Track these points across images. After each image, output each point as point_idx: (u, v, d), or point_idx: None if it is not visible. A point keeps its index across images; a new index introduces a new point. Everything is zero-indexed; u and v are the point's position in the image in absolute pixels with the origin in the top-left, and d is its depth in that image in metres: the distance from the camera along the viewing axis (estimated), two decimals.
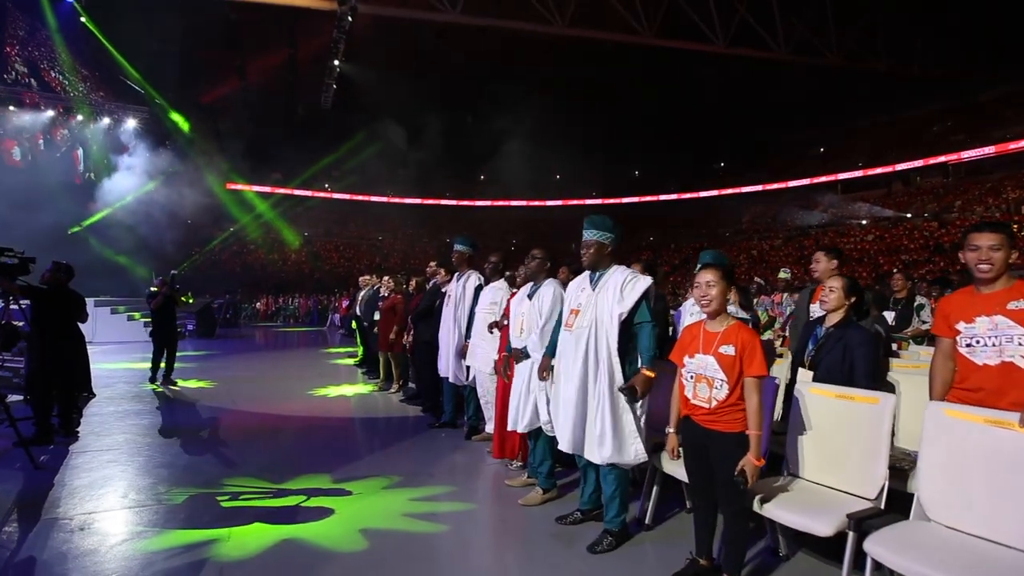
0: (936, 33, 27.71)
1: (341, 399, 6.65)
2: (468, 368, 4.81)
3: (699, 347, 2.45)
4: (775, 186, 35.33)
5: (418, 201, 39.21)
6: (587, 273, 3.08)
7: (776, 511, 2.38)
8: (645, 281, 2.80)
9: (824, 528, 2.19)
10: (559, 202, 43.05)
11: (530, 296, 3.61)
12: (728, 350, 2.36)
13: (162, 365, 7.38)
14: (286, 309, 23.82)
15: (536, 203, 43.05)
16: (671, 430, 2.58)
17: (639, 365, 2.76)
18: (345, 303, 16.54)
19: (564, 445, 2.94)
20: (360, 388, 7.37)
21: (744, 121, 34.72)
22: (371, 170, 34.49)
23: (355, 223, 38.26)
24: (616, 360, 2.80)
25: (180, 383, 7.42)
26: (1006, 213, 24.19)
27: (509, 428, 3.57)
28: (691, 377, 2.46)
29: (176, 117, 24.19)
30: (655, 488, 3.08)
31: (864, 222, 29.09)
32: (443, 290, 5.55)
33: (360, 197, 37.70)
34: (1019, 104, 28.86)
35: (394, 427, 5.43)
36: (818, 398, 2.68)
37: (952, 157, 29.44)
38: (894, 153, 31.35)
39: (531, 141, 33.83)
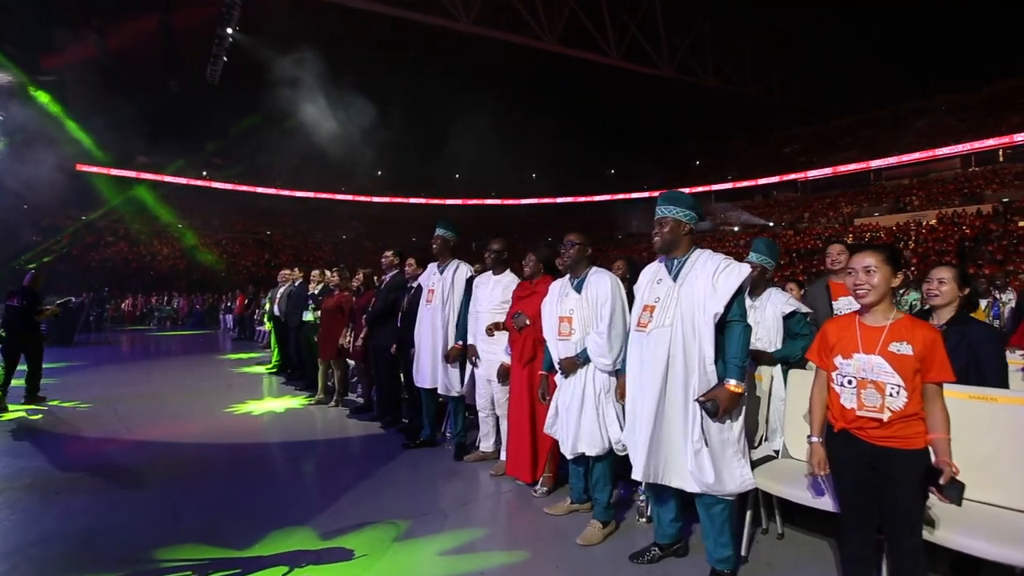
0: (793, 68, 31.18)
1: (272, 418, 5.37)
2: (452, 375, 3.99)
3: (858, 345, 1.94)
4: (659, 193, 37.63)
5: (311, 195, 36.10)
6: (658, 261, 2.50)
7: (964, 541, 1.92)
8: (742, 269, 2.22)
9: None
10: (459, 201, 42.30)
11: (577, 289, 2.89)
12: (903, 348, 1.86)
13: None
14: (161, 310, 20.41)
15: (435, 201, 41.88)
16: (816, 439, 2.06)
17: (723, 375, 2.20)
18: (240, 303, 14.44)
19: (638, 473, 2.29)
20: (290, 402, 6.09)
21: (634, 131, 36.57)
22: (261, 158, 31.08)
23: (239, 216, 34.28)
24: (711, 367, 2.21)
25: (49, 403, 5.66)
26: (842, 225, 27.79)
27: (569, 453, 2.81)
28: (850, 382, 1.94)
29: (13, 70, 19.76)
30: (750, 515, 2.54)
31: (736, 228, 31.85)
32: (412, 284, 4.62)
33: (245, 188, 33.87)
34: (852, 133, 33.50)
35: (361, 451, 4.37)
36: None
37: (800, 175, 33.41)
38: (758, 169, 34.87)
39: (434, 137, 32.74)
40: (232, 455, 4.13)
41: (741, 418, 2.28)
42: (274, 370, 8.24)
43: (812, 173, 32.72)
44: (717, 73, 31.17)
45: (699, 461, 2.18)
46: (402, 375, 4.96)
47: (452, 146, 35.55)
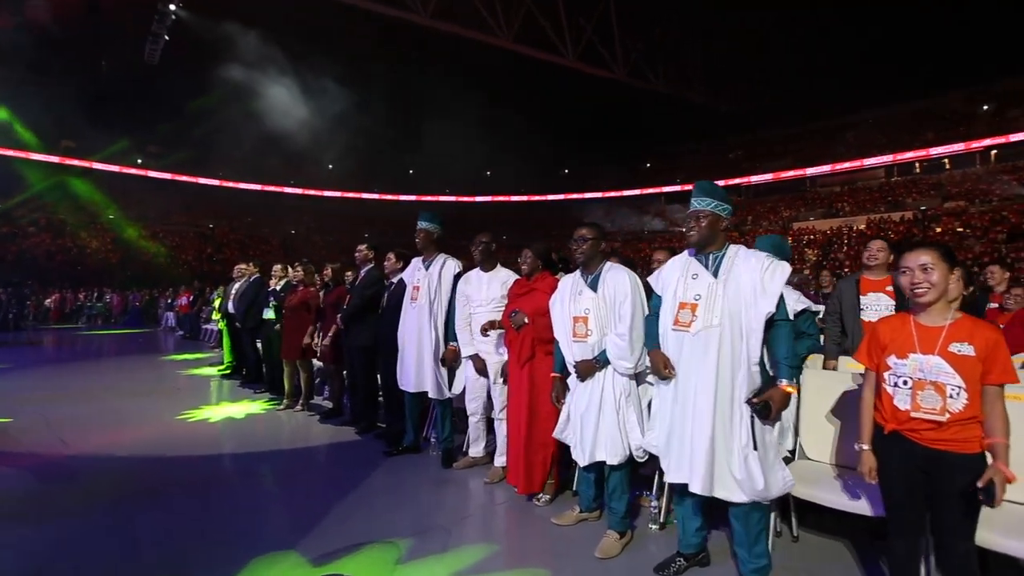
0: (737, 79, 32.41)
1: (232, 425, 4.89)
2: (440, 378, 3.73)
3: (915, 345, 1.85)
4: (612, 194, 38.41)
5: (258, 187, 34.32)
6: (686, 255, 2.36)
7: (1001, 541, 1.87)
8: (784, 268, 2.13)
9: None
10: (412, 197, 41.42)
11: (593, 286, 2.69)
12: (964, 349, 1.78)
13: None
14: (91, 308, 18.72)
15: (389, 197, 40.84)
16: (865, 447, 1.96)
17: (776, 375, 2.10)
18: (184, 299, 13.44)
19: (697, 485, 2.12)
20: (249, 406, 5.59)
21: (588, 133, 36.99)
22: (204, 147, 29.19)
23: (179, 207, 32.12)
24: (756, 368, 2.11)
25: None
26: (781, 228, 29.17)
27: (585, 461, 2.60)
28: (905, 383, 1.85)
29: None
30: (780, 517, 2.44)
31: (684, 229, 32.80)
32: (392, 280, 4.31)
33: (186, 178, 31.75)
34: (789, 142, 35.20)
35: (338, 460, 4.00)
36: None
37: (744, 180, 34.80)
38: (704, 173, 36.04)
39: (389, 132, 31.87)
40: (192, 469, 3.68)
41: (776, 425, 2.18)
42: (227, 372, 7.63)
43: (754, 178, 34.16)
44: (667, 79, 32.02)
45: (749, 467, 2.06)
46: (379, 377, 4.65)
47: (407, 141, 34.86)
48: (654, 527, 2.74)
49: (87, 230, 26.79)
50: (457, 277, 3.72)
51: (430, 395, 3.76)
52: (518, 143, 36.24)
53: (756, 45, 29.00)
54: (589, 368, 2.59)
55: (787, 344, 2.11)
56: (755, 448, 2.08)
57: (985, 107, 29.04)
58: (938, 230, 23.10)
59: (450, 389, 3.74)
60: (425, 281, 3.79)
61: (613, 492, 2.57)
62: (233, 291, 7.31)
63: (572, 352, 2.67)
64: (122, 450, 4.03)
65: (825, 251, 24.29)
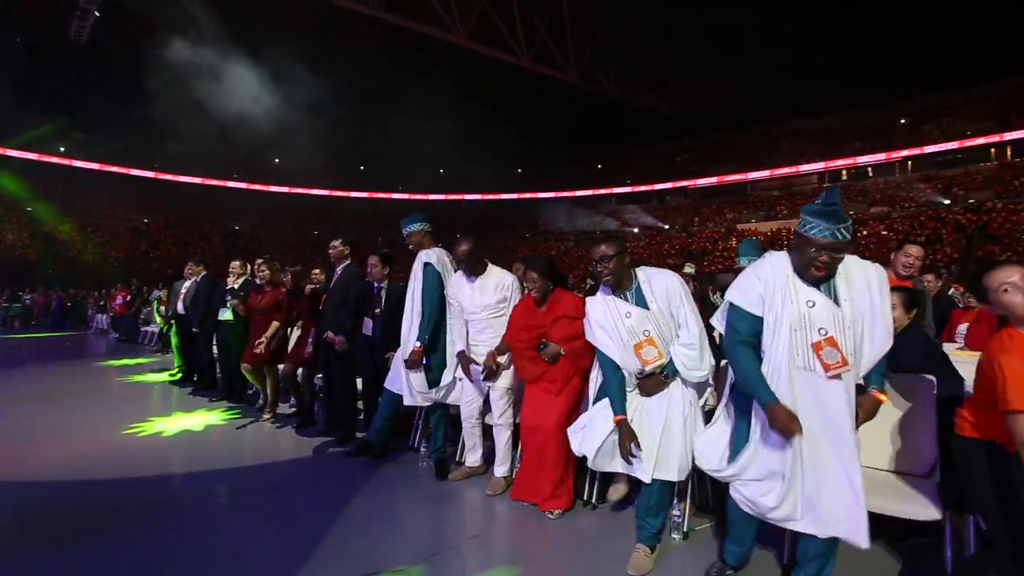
0: (684, 85, 33.41)
1: (191, 438, 4.37)
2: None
3: None
4: (565, 194, 38.70)
5: (198, 180, 32.21)
6: (780, 270, 1.95)
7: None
8: (879, 270, 1.93)
9: None
10: (364, 194, 40.17)
11: (640, 303, 2.40)
12: None
13: None
14: (8, 308, 16.86)
15: (338, 193, 39.38)
16: None
17: (868, 383, 1.96)
18: (119, 299, 12.31)
19: (814, 525, 1.86)
20: (207, 416, 5.06)
21: (543, 134, 37.03)
22: (138, 136, 27.01)
23: (109, 200, 29.64)
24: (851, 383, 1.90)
25: None
26: (727, 230, 30.36)
27: (647, 479, 2.32)
28: None
29: None
30: None
31: (636, 230, 33.50)
32: (381, 285, 3.98)
33: (116, 169, 29.30)
34: (730, 147, 36.66)
35: (320, 476, 3.62)
36: None
37: (691, 183, 35.95)
38: (653, 175, 36.97)
39: (339, 126, 30.66)
40: (149, 493, 3.22)
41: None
42: (177, 377, 6.96)
43: (700, 182, 35.30)
44: (616, 84, 32.60)
45: (857, 502, 1.80)
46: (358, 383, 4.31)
47: (357, 136, 33.70)
48: (677, 536, 2.58)
49: (2, 223, 24.24)
50: (427, 267, 3.42)
51: (409, 402, 3.47)
52: (472, 141, 35.90)
53: (700, 55, 29.96)
54: (657, 383, 2.36)
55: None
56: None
57: (903, 121, 31.31)
58: (864, 233, 24.66)
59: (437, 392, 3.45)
60: (411, 277, 3.51)
61: (652, 507, 2.37)
62: (183, 291, 6.67)
63: (644, 364, 2.37)
64: (59, 472, 3.50)
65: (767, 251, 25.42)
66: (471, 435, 3.41)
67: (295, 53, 24.05)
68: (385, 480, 3.41)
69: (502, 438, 3.24)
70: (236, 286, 5.67)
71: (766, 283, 1.92)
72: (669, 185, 36.43)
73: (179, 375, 6.98)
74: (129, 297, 11.72)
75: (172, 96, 22.06)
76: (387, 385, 3.66)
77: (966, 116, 28.65)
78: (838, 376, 1.84)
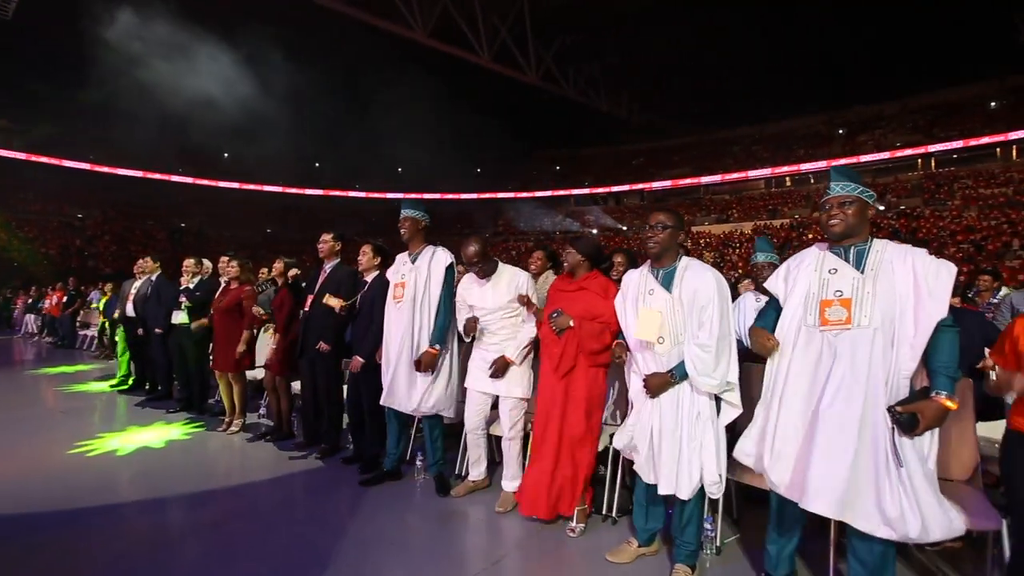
0: (638, 90, 34.06)
1: (152, 458, 3.88)
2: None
3: None
4: (524, 194, 38.68)
5: (139, 173, 30.09)
6: (817, 248, 2.05)
7: None
8: (951, 267, 1.82)
9: None
10: (319, 192, 38.78)
11: (666, 284, 2.28)
12: None
13: None
14: None
15: (293, 190, 37.84)
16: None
17: (934, 387, 1.80)
18: (53, 300, 11.22)
19: (829, 508, 1.77)
20: (167, 430, 4.55)
21: (502, 133, 36.85)
22: (71, 123, 24.89)
23: (39, 194, 27.21)
24: (906, 381, 1.81)
25: None
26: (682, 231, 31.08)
27: (663, 491, 2.18)
28: None
29: None
30: None
31: (595, 231, 33.84)
32: (367, 279, 3.64)
33: (47, 160, 26.91)
34: (684, 151, 37.70)
35: (310, 497, 3.27)
36: None
37: (646, 185, 36.70)
38: (610, 177, 37.52)
39: (294, 121, 29.36)
40: (107, 525, 2.78)
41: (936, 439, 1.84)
42: (123, 386, 6.31)
43: (655, 184, 36.09)
44: (576, 86, 32.86)
45: (901, 498, 1.71)
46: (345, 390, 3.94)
47: (313, 131, 32.44)
48: (710, 552, 2.42)
49: None
50: (449, 269, 3.17)
51: (404, 411, 3.16)
52: (432, 140, 35.29)
53: (657, 62, 30.60)
54: (664, 383, 2.19)
55: (951, 352, 1.79)
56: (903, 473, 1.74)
57: (841, 131, 33.07)
58: (810, 236, 25.83)
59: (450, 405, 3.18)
60: (412, 276, 3.19)
61: (687, 523, 2.21)
62: (132, 291, 6.06)
63: (644, 363, 2.28)
64: (9, 500, 2.98)
65: (721, 253, 26.19)
66: (476, 446, 3.15)
67: (249, 40, 22.79)
68: (380, 499, 3.10)
69: (513, 451, 3.00)
70: (191, 286, 5.18)
71: (789, 267, 2.08)
72: (626, 187, 37.13)
73: (127, 384, 6.34)
74: (66, 298, 10.66)
75: (111, 80, 20.35)
76: (389, 404, 3.26)
77: (897, 128, 30.54)
78: (855, 338, 1.84)
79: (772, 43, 27.75)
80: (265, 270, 5.66)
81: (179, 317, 5.27)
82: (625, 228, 33.56)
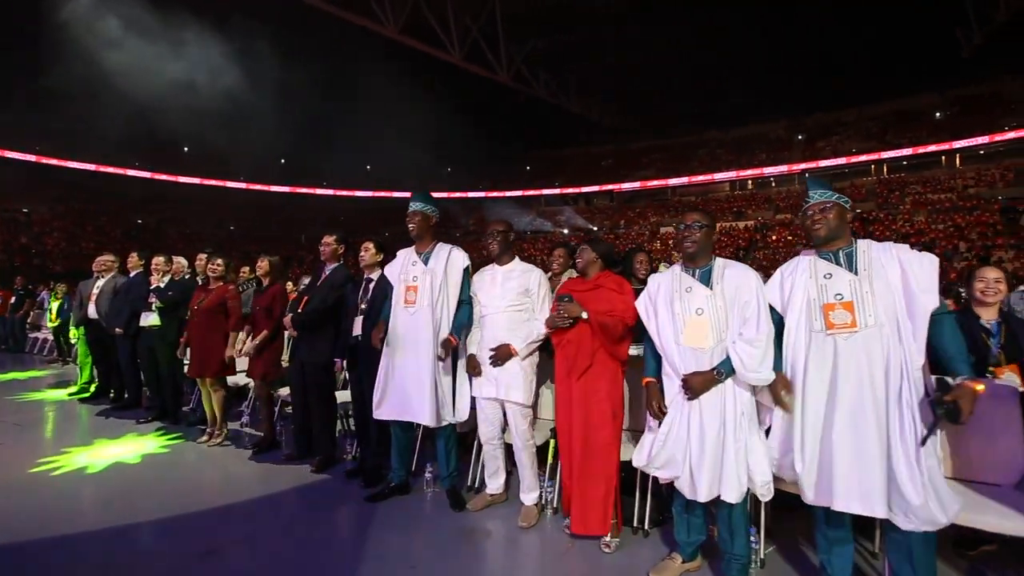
0: (608, 92, 34.36)
1: (128, 475, 3.50)
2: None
3: None
4: (495, 194, 38.51)
5: (91, 167, 28.36)
6: (803, 255, 2.10)
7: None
8: (932, 257, 1.90)
9: None
10: (284, 188, 37.56)
11: (705, 281, 2.18)
12: None
13: None
14: None
15: (257, 187, 36.52)
16: None
17: (954, 373, 1.81)
18: (4, 300, 10.34)
19: (879, 508, 1.79)
20: (140, 444, 4.15)
21: (473, 132, 36.53)
22: (13, 113, 23.16)
23: None
24: (918, 373, 1.84)
25: None
26: (651, 232, 31.55)
27: (703, 498, 2.04)
28: None
29: None
30: None
31: (565, 231, 33.94)
32: (371, 276, 3.39)
33: None
34: (652, 154, 38.28)
35: (313, 516, 2.99)
36: None
37: (616, 187, 37.09)
38: (580, 178, 37.74)
39: (258, 114, 28.23)
40: (85, 555, 2.44)
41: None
42: (84, 394, 5.80)
43: (625, 185, 36.51)
44: (547, 87, 32.89)
45: (930, 489, 1.76)
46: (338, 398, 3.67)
47: (278, 127, 31.30)
48: (754, 566, 2.29)
49: None
50: (467, 271, 2.96)
51: (428, 424, 2.91)
52: (400, 138, 34.66)
53: (627, 66, 30.95)
54: (707, 381, 2.06)
55: (955, 337, 1.84)
56: (928, 466, 1.78)
57: (800, 136, 34.22)
58: (773, 238, 26.60)
59: (454, 413, 2.95)
60: (426, 279, 2.95)
61: (735, 532, 2.08)
62: (94, 290, 5.56)
63: (682, 362, 2.13)
64: None
65: None
66: (494, 458, 2.94)
67: (211, 30, 21.73)
68: (391, 517, 2.85)
69: (525, 461, 2.81)
70: (162, 285, 4.77)
71: (783, 276, 2.10)
72: (596, 188, 37.42)
73: (89, 391, 5.83)
74: (15, 298, 9.81)
75: (61, 66, 18.95)
76: (396, 416, 2.99)
77: (854, 135, 31.81)
78: (865, 338, 1.86)
79: (738, 50, 28.45)
80: (246, 268, 5.28)
81: (149, 319, 4.86)
82: (596, 228, 33.77)
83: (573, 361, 2.53)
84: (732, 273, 2.15)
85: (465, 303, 2.92)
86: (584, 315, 2.49)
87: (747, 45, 28.06)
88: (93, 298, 5.50)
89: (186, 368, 4.45)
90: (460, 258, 3.00)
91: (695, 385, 2.07)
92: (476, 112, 34.70)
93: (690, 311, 2.14)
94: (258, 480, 3.37)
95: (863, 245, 1.98)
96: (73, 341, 7.36)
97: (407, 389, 2.92)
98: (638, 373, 2.37)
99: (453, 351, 2.89)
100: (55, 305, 8.28)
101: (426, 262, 3.01)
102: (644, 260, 3.42)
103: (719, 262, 2.21)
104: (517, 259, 2.96)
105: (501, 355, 2.72)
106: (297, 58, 26.78)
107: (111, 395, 5.62)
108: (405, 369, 2.93)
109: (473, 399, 2.94)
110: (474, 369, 2.83)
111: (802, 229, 2.14)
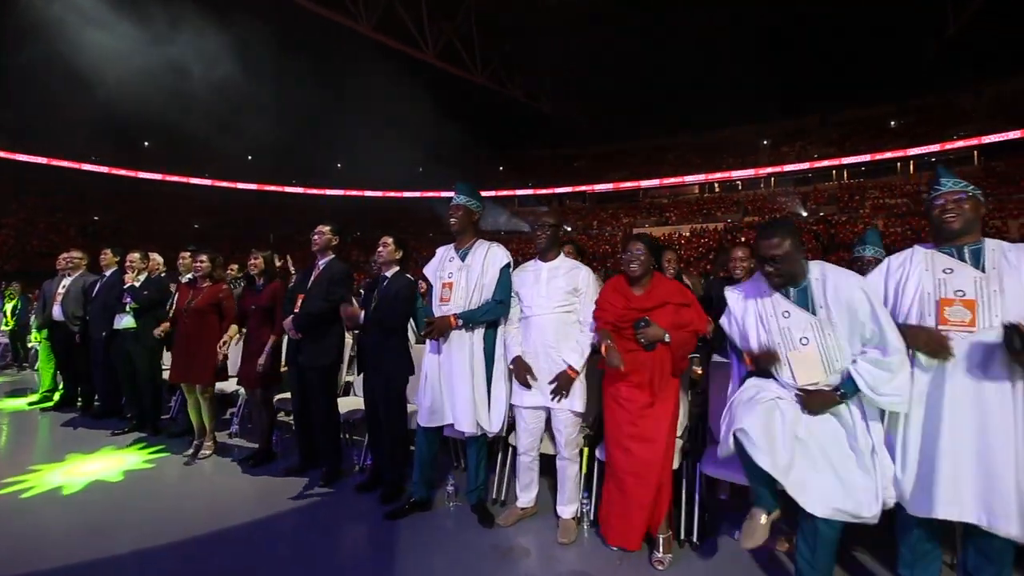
0: (582, 94, 34.53)
1: (111, 496, 3.13)
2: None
3: None
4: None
5: (43, 160, 26.65)
6: (922, 246, 1.97)
7: None
8: None
9: None
10: (252, 186, 36.28)
11: (801, 303, 1.95)
12: None
13: None
14: None
15: (224, 184, 35.14)
16: None
17: None
18: None
19: (1013, 528, 1.65)
20: (120, 459, 3.75)
21: (445, 132, 36.12)
22: None
23: None
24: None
25: None
26: (624, 233, 31.82)
27: (823, 514, 1.81)
28: None
29: None
30: None
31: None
32: (386, 274, 3.14)
33: None
34: (624, 155, 38.69)
35: (328, 538, 2.71)
36: None
37: (589, 188, 37.30)
38: (554, 179, 37.80)
39: (224, 109, 27.12)
40: None
41: None
42: (47, 403, 5.30)
43: (598, 187, 36.75)
44: (522, 88, 32.80)
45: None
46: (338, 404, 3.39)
47: (245, 122, 30.17)
48: None
49: None
50: (505, 269, 2.75)
51: (466, 432, 2.69)
52: (371, 137, 33.93)
53: (601, 68, 31.17)
54: (827, 401, 1.86)
55: None
56: None
57: (766, 142, 35.16)
58: (743, 239, 27.21)
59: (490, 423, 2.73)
60: (462, 275, 2.72)
61: (824, 549, 1.90)
62: (60, 290, 5.08)
63: (795, 378, 1.92)
64: None
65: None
66: (529, 470, 2.73)
67: (178, 17, 20.69)
68: (416, 536, 2.60)
69: (570, 473, 2.61)
70: (137, 284, 4.38)
71: (891, 266, 1.97)
72: (569, 189, 37.56)
73: (51, 400, 5.33)
74: None
75: (8, 52, 17.68)
76: (438, 422, 2.75)
77: (816, 141, 32.87)
78: (964, 335, 1.75)
79: (708, 59, 29.00)
80: (235, 266, 4.91)
81: (124, 321, 4.47)
82: (569, 228, 33.86)
83: (650, 381, 2.31)
84: (834, 283, 1.89)
85: (498, 302, 2.69)
86: (667, 338, 2.27)
87: (717, 54, 28.65)
88: (58, 299, 5.02)
89: (166, 373, 4.09)
90: (500, 254, 2.79)
91: (813, 404, 1.87)
92: (449, 112, 34.31)
93: (792, 342, 1.91)
94: (261, 497, 3.05)
95: (992, 244, 1.85)
96: (32, 345, 6.78)
97: (445, 393, 2.70)
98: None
99: (470, 353, 2.66)
100: (9, 307, 7.62)
101: (464, 258, 2.80)
102: (743, 256, 3.25)
103: (815, 272, 1.94)
104: (563, 255, 2.78)
105: (563, 385, 2.49)
106: (263, 53, 25.81)
107: (79, 403, 5.14)
108: (440, 371, 2.72)
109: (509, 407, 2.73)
110: (524, 378, 2.58)
111: (928, 220, 1.97)
